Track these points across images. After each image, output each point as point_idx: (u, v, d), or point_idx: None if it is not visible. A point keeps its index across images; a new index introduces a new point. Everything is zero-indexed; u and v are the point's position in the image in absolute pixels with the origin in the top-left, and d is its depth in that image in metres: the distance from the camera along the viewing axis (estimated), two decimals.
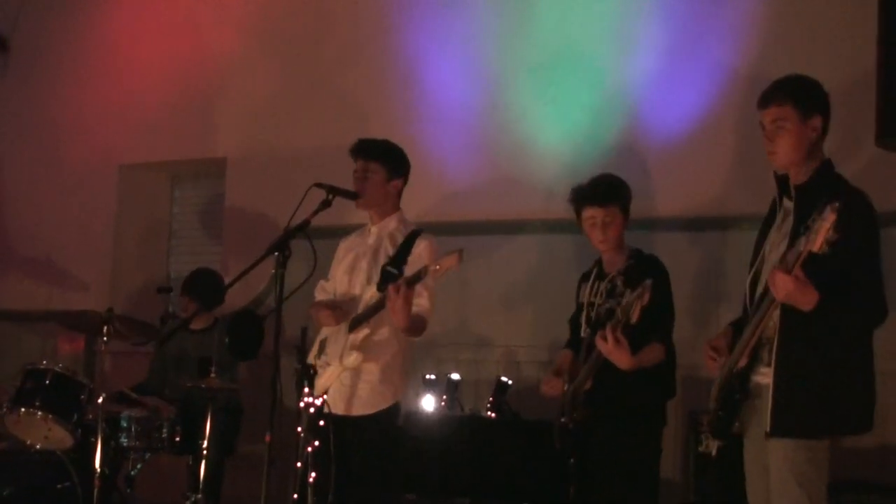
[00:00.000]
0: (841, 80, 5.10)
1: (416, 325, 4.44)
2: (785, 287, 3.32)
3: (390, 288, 4.26)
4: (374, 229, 4.75)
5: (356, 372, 4.54)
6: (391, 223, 4.73)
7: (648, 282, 4.05)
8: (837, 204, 3.15)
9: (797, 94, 3.63)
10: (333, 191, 4.42)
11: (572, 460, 4.42)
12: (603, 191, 4.50)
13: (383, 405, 4.59)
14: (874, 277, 3.50)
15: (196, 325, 6.15)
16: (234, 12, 7.32)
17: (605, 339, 4.12)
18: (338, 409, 4.57)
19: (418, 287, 4.32)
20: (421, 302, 4.46)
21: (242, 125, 7.19)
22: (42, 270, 7.73)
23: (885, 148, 4.42)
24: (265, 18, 7.22)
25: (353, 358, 4.45)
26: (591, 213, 4.51)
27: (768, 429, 3.53)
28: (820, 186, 3.51)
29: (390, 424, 4.64)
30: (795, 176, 3.65)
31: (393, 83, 6.65)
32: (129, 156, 7.64)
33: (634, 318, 4.06)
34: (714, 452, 3.67)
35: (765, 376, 3.58)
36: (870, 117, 4.37)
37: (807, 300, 3.33)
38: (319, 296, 4.83)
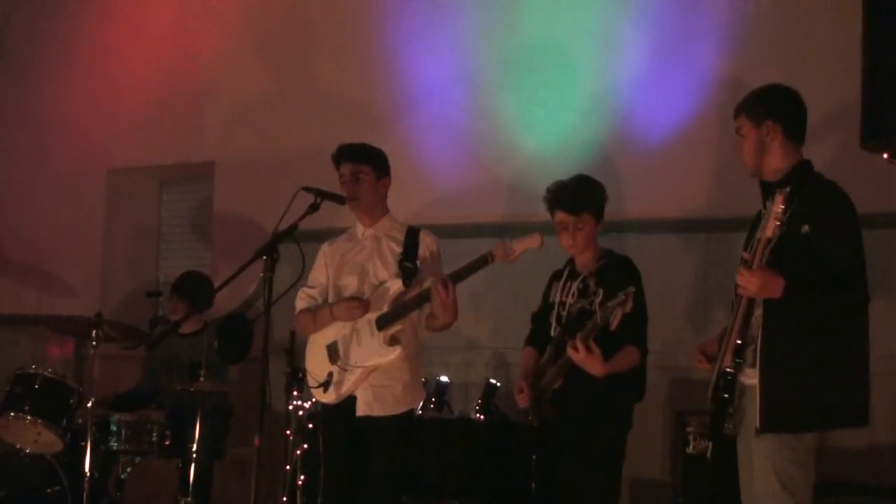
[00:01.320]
0: (826, 83, 5.14)
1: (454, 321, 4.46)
2: (750, 284, 3.42)
3: (438, 286, 4.24)
4: (368, 232, 4.70)
5: (387, 372, 4.47)
6: (386, 223, 4.71)
7: (632, 290, 4.06)
8: (787, 189, 3.38)
9: (748, 105, 3.81)
10: (321, 194, 4.39)
11: (534, 457, 4.42)
12: (575, 199, 4.49)
13: (416, 402, 4.63)
14: (853, 261, 3.56)
15: (186, 329, 6.11)
16: (223, 17, 7.31)
17: (576, 348, 4.12)
18: (373, 410, 4.47)
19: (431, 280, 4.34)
20: None
21: (231, 129, 7.17)
22: (31, 274, 7.71)
23: (870, 150, 4.43)
24: (253, 23, 7.20)
25: (395, 353, 4.39)
26: (561, 218, 4.52)
27: (758, 425, 3.54)
28: (793, 183, 3.56)
29: (413, 423, 4.64)
30: (772, 177, 3.73)
31: (381, 87, 6.64)
32: (117, 160, 7.62)
33: (615, 325, 4.06)
34: (708, 454, 3.68)
35: (750, 377, 3.60)
36: (855, 120, 4.37)
37: (775, 287, 3.43)
38: (303, 304, 4.72)
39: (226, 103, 7.20)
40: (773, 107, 3.76)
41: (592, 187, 4.55)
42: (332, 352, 4.55)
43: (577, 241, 4.50)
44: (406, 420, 4.52)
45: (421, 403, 4.60)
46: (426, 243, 4.60)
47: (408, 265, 4.51)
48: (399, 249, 4.58)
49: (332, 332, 4.57)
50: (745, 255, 3.55)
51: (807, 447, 3.59)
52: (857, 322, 3.63)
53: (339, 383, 4.46)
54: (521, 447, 5.14)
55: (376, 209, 4.70)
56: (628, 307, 4.02)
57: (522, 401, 4.48)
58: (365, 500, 4.47)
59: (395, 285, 4.48)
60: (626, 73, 5.97)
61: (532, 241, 4.21)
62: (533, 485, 4.42)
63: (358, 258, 4.66)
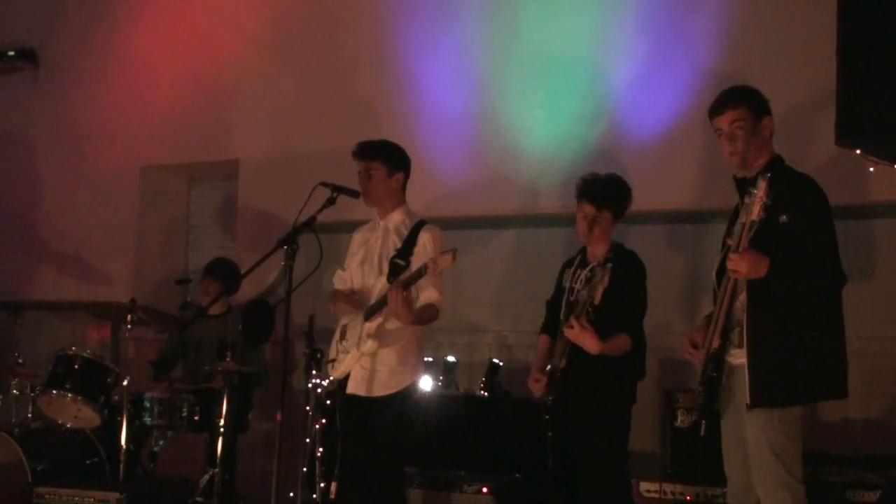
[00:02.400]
0: (804, 82, 5.14)
1: (425, 316, 4.44)
2: (741, 265, 3.42)
3: (390, 291, 4.25)
4: (381, 223, 4.71)
5: (375, 357, 4.50)
6: (397, 217, 4.68)
7: (608, 265, 4.10)
8: (768, 175, 3.38)
9: (749, 99, 3.76)
10: (337, 189, 4.41)
11: (550, 434, 4.43)
12: (601, 194, 4.50)
13: (401, 385, 4.55)
14: (829, 246, 3.57)
15: (213, 310, 6.13)
16: (247, 24, 7.30)
17: (571, 326, 4.14)
18: (360, 390, 4.54)
19: (423, 281, 4.31)
20: (429, 294, 4.46)
21: (254, 129, 7.17)
22: (71, 264, 7.71)
23: (844, 146, 4.41)
24: (275, 30, 7.20)
25: (368, 345, 4.44)
26: (584, 209, 4.52)
27: (748, 401, 3.55)
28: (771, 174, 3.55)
29: (407, 403, 4.60)
30: (750, 172, 3.71)
31: (394, 89, 6.63)
32: (150, 158, 7.62)
33: (597, 299, 4.08)
34: (703, 432, 3.68)
35: (736, 357, 3.61)
36: (830, 117, 4.36)
37: (760, 266, 3.43)
38: (337, 283, 4.78)
39: (249, 106, 7.20)
40: (766, 104, 3.76)
41: (621, 189, 4.57)
42: (342, 333, 4.62)
43: (593, 232, 4.51)
44: (394, 401, 4.51)
45: (407, 385, 4.56)
46: (423, 240, 4.56)
47: (398, 262, 4.49)
48: (398, 244, 4.58)
49: (348, 315, 4.63)
50: (730, 241, 3.55)
51: (795, 419, 3.60)
52: (832, 303, 3.65)
53: (340, 362, 4.53)
54: (522, 422, 5.16)
55: (388, 202, 4.68)
56: (605, 281, 4.06)
57: (536, 389, 4.48)
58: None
59: (382, 282, 4.51)
60: (620, 77, 5.96)
61: (446, 261, 4.15)
62: (550, 460, 4.42)
63: (371, 248, 4.68)
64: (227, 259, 6.45)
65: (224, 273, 6.16)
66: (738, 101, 3.73)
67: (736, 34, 5.63)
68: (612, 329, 4.25)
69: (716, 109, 3.78)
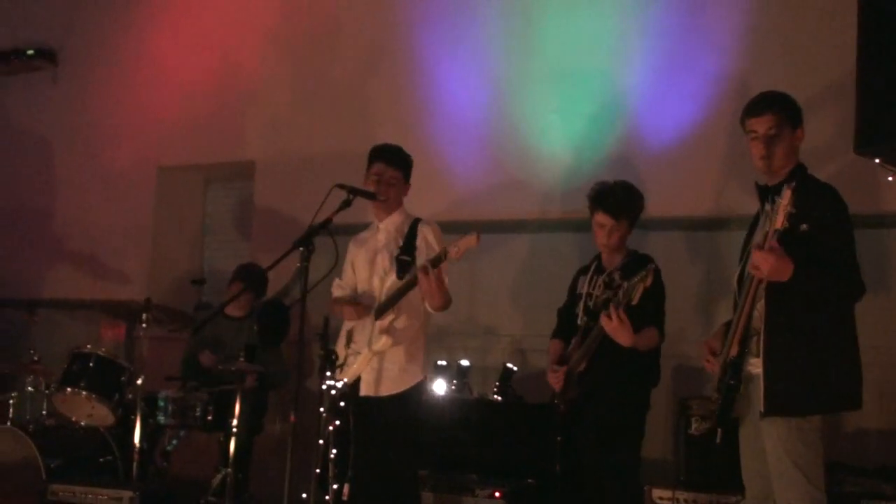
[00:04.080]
0: (822, 89, 5.10)
1: (447, 302, 4.44)
2: (766, 261, 3.38)
3: (420, 272, 4.26)
4: (381, 226, 4.76)
5: (384, 355, 4.54)
6: (397, 218, 4.74)
7: (652, 266, 4.08)
8: (793, 183, 3.34)
9: (787, 107, 3.73)
10: (354, 191, 4.40)
11: (560, 438, 4.41)
12: (619, 205, 4.49)
13: (412, 382, 4.59)
14: (848, 255, 3.55)
15: (234, 312, 6.12)
16: (263, 27, 7.31)
17: (609, 318, 4.11)
18: (371, 391, 4.56)
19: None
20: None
21: (270, 131, 7.17)
22: (87, 263, 7.73)
23: (864, 155, 4.37)
24: (292, 32, 7.20)
25: (382, 342, 4.47)
26: (601, 220, 4.52)
27: (762, 409, 3.52)
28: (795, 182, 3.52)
29: (419, 400, 4.66)
30: (773, 180, 3.70)
31: (408, 93, 6.62)
32: (167, 159, 7.63)
33: (636, 299, 4.06)
34: (718, 440, 3.65)
35: (755, 366, 3.58)
36: (850, 126, 4.33)
37: (785, 270, 3.39)
38: (336, 292, 4.82)
39: (266, 108, 7.21)
40: (801, 116, 3.75)
41: (635, 197, 4.57)
42: (349, 337, 4.63)
43: (612, 241, 4.52)
44: (404, 399, 4.54)
45: (417, 383, 4.58)
46: (423, 234, 4.62)
47: (404, 258, 4.54)
48: (400, 243, 4.62)
49: (352, 320, 4.66)
50: (757, 241, 3.51)
51: (815, 428, 3.56)
52: (847, 315, 3.63)
53: (350, 366, 4.54)
54: (535, 427, 5.13)
55: (393, 207, 4.73)
56: (648, 281, 4.04)
57: (556, 381, 4.46)
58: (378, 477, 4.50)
59: (390, 278, 4.54)
60: (636, 82, 5.94)
61: (470, 241, 4.17)
62: (557, 465, 4.41)
63: (371, 252, 4.71)
64: (256, 264, 6.41)
65: (252, 277, 6.11)
66: (778, 107, 3.70)
67: (752, 41, 5.60)
68: (642, 324, 4.23)
69: (753, 111, 3.73)
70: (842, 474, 4.44)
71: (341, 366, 4.54)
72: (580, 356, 4.34)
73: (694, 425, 4.82)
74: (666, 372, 4.70)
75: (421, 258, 4.45)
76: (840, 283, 3.52)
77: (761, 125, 3.69)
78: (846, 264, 3.52)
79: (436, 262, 4.28)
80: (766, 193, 3.63)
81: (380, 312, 4.52)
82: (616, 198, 4.50)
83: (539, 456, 5.00)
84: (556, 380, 4.48)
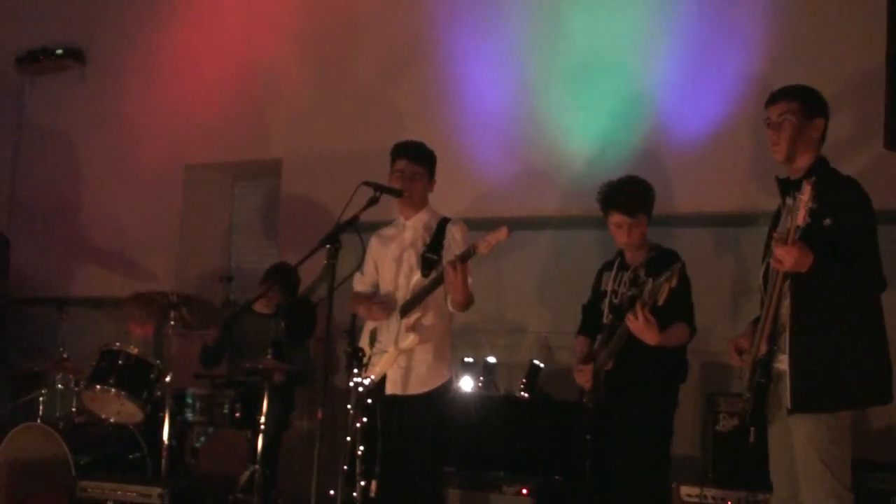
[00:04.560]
0: (851, 84, 5.07)
1: (470, 300, 4.45)
2: (789, 255, 3.36)
3: (448, 266, 4.27)
4: (409, 223, 4.75)
5: (411, 354, 4.54)
6: (424, 216, 4.74)
7: (677, 266, 4.04)
8: (813, 178, 3.31)
9: (804, 96, 3.73)
10: (380, 188, 4.41)
11: (589, 437, 4.40)
12: (631, 201, 4.47)
13: (441, 380, 4.61)
14: (871, 249, 3.52)
15: (262, 309, 6.15)
16: (290, 25, 7.33)
17: (635, 317, 4.09)
18: (398, 389, 4.57)
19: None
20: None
21: (296, 129, 7.19)
22: (116, 261, 7.78)
23: (893, 150, 4.34)
24: (316, 32, 7.22)
25: (409, 340, 4.47)
26: (617, 220, 4.50)
27: (789, 405, 3.50)
28: (816, 177, 3.50)
29: (445, 401, 4.67)
30: (794, 173, 3.68)
31: (433, 90, 6.63)
32: (194, 157, 7.67)
33: (662, 300, 4.03)
34: (752, 439, 3.63)
35: (783, 363, 3.56)
36: (879, 121, 4.30)
37: (805, 261, 3.36)
38: (357, 287, 4.82)
39: (292, 106, 7.23)
40: (822, 107, 3.73)
41: (646, 189, 4.54)
42: (373, 336, 4.65)
43: (633, 238, 4.50)
44: (432, 398, 4.55)
45: (444, 382, 4.61)
46: (451, 233, 4.62)
47: (430, 256, 4.53)
48: (427, 241, 4.61)
49: (376, 320, 4.67)
50: (776, 236, 3.49)
51: (844, 426, 3.54)
52: (875, 309, 3.61)
53: (375, 364, 4.54)
54: (562, 424, 5.12)
55: (419, 204, 4.73)
56: (674, 282, 4.00)
57: (584, 378, 4.45)
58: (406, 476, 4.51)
59: (416, 276, 4.54)
60: (661, 78, 5.92)
61: (500, 234, 4.20)
62: (587, 462, 4.40)
63: (396, 249, 4.71)
64: (287, 264, 6.43)
65: (284, 276, 6.13)
66: (792, 96, 3.71)
67: (781, 35, 5.57)
68: (668, 322, 4.21)
69: (770, 99, 3.76)
70: (871, 471, 4.41)
71: (366, 365, 4.55)
72: (607, 355, 4.33)
73: (722, 422, 4.80)
74: (694, 368, 4.69)
75: (448, 257, 4.43)
76: (859, 277, 3.49)
77: (774, 112, 3.71)
78: (867, 258, 3.50)
79: (465, 257, 4.28)
80: (787, 187, 3.62)
81: (405, 310, 4.52)
82: (626, 195, 4.48)
83: (566, 453, 5.00)
84: (583, 378, 4.46)
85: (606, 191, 4.53)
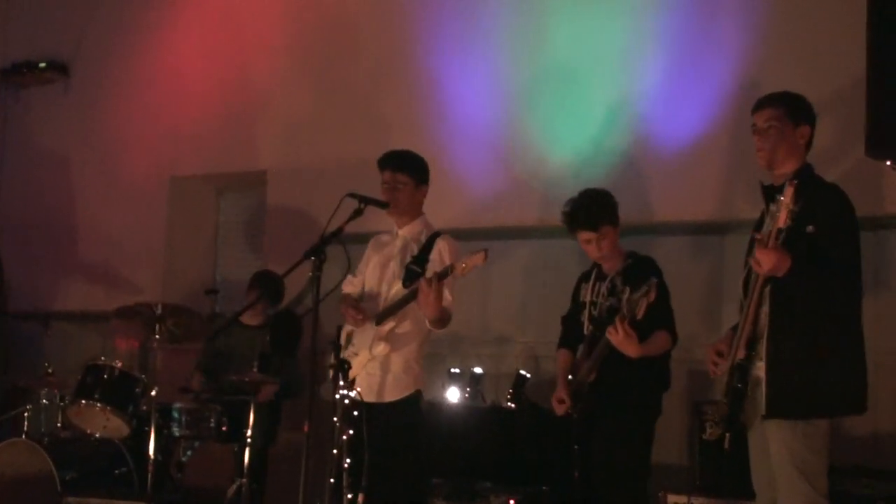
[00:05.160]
0: (832, 92, 5.09)
1: (443, 317, 4.45)
2: (767, 259, 3.37)
3: (423, 282, 4.28)
4: (400, 233, 4.78)
5: (381, 362, 4.56)
6: (416, 227, 4.75)
7: (654, 280, 4.06)
8: (795, 181, 3.34)
9: (790, 103, 3.76)
10: (365, 200, 4.42)
11: (576, 447, 4.42)
12: (591, 216, 4.50)
13: (406, 392, 4.61)
14: (850, 258, 3.54)
15: (250, 321, 6.14)
16: (274, 37, 7.34)
17: (616, 330, 4.11)
18: (365, 396, 4.55)
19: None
20: (445, 296, 4.46)
21: (282, 140, 7.20)
22: (100, 274, 7.76)
23: (874, 157, 4.37)
24: (301, 43, 7.23)
25: (380, 348, 4.49)
26: (584, 236, 4.56)
27: (764, 412, 3.51)
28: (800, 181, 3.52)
29: (414, 410, 4.65)
30: (778, 179, 3.69)
31: (418, 101, 6.64)
32: (179, 169, 7.66)
33: (640, 314, 4.06)
34: (727, 445, 3.64)
35: (760, 370, 3.58)
36: (859, 128, 4.32)
37: (783, 265, 3.38)
38: (346, 288, 4.84)
39: (277, 118, 7.24)
40: (808, 114, 3.76)
41: (603, 199, 4.57)
42: (349, 338, 4.67)
43: (604, 250, 4.53)
44: (398, 408, 4.56)
45: (410, 393, 4.60)
46: (438, 247, 4.62)
47: (413, 268, 4.54)
48: (415, 252, 4.62)
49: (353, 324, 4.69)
50: (758, 236, 3.51)
51: (821, 434, 3.55)
52: (854, 318, 3.62)
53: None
54: (549, 434, 5.13)
55: (409, 213, 4.75)
56: (651, 297, 4.02)
57: (560, 410, 4.47)
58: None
59: (396, 286, 4.55)
60: (645, 87, 5.94)
61: (478, 259, 4.20)
62: (576, 473, 4.41)
63: (385, 256, 4.72)
64: (272, 272, 6.43)
65: (269, 284, 6.13)
66: (777, 102, 3.74)
67: (761, 45, 5.60)
68: (648, 332, 4.23)
69: (757, 106, 3.79)
70: (856, 477, 4.43)
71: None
72: (589, 366, 4.35)
73: (708, 430, 4.80)
74: (680, 376, 4.71)
75: (432, 272, 4.43)
76: (837, 284, 3.51)
77: (760, 119, 3.74)
78: (846, 266, 3.51)
79: (442, 275, 4.29)
80: (772, 194, 3.64)
81: (381, 319, 4.54)
82: (586, 210, 4.51)
83: (553, 463, 5.00)
84: (560, 409, 4.49)
85: (567, 211, 4.58)
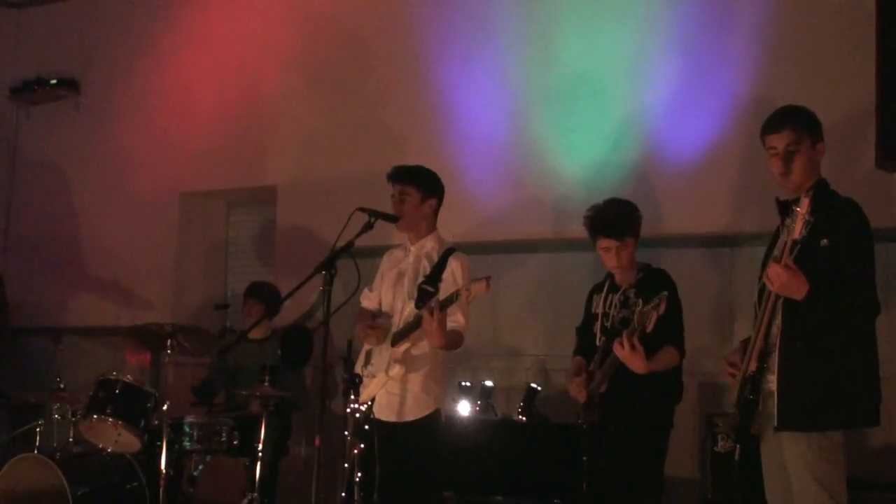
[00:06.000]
0: (842, 105, 5.09)
1: (452, 342, 4.44)
2: (778, 276, 3.37)
3: (425, 312, 4.26)
4: (412, 249, 4.74)
5: (400, 382, 4.53)
6: (428, 243, 4.72)
7: (665, 294, 4.04)
8: (811, 192, 3.31)
9: (808, 122, 3.69)
10: (375, 214, 4.43)
11: (585, 459, 4.41)
12: (618, 225, 4.48)
13: (425, 411, 4.56)
14: (865, 272, 3.51)
15: (255, 334, 6.16)
16: (283, 54, 7.38)
17: (622, 345, 4.11)
18: (384, 415, 4.58)
19: (452, 307, 4.32)
20: (457, 318, 4.45)
21: (291, 155, 7.23)
22: (111, 289, 7.79)
23: (884, 169, 4.39)
24: (311, 59, 7.26)
25: (396, 370, 4.45)
26: (605, 244, 4.51)
27: (776, 423, 3.50)
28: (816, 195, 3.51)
29: (433, 429, 4.60)
30: (793, 194, 3.65)
31: (428, 115, 6.66)
32: (189, 184, 7.70)
33: (650, 327, 4.05)
34: (737, 456, 3.62)
35: (772, 382, 3.56)
36: (870, 140, 4.34)
37: (798, 289, 3.37)
38: (364, 302, 4.84)
39: (286, 133, 7.27)
40: (821, 130, 3.70)
41: (631, 211, 4.54)
42: (367, 357, 4.67)
43: (622, 261, 4.51)
44: (416, 428, 4.52)
45: (429, 413, 4.56)
46: (451, 267, 4.57)
47: (426, 288, 4.49)
48: (427, 270, 4.59)
49: (371, 343, 4.68)
50: (776, 252, 3.49)
51: (835, 445, 3.53)
52: (866, 331, 3.60)
53: (366, 386, 4.53)
54: (560, 447, 5.13)
55: (419, 228, 4.71)
56: (661, 309, 4.01)
57: (578, 391, 4.45)
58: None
59: (409, 306, 4.53)
60: (653, 100, 5.95)
61: (480, 287, 4.19)
62: (584, 485, 4.40)
63: (397, 274, 4.70)
64: (267, 282, 6.50)
65: (266, 296, 6.20)
66: (796, 122, 3.66)
67: (772, 57, 5.60)
68: (657, 346, 4.23)
69: (772, 127, 3.69)
70: (870, 491, 4.42)
71: (357, 385, 4.56)
72: (601, 377, 4.34)
73: (720, 442, 4.81)
74: (691, 389, 4.70)
75: (445, 292, 4.39)
76: (853, 300, 3.49)
77: (780, 141, 3.65)
78: (862, 281, 3.50)
79: (445, 304, 4.27)
80: (786, 208, 3.63)
81: (395, 340, 4.52)
82: (613, 218, 4.49)
83: (564, 476, 5.00)
84: (577, 390, 4.46)
85: (592, 216, 4.55)
